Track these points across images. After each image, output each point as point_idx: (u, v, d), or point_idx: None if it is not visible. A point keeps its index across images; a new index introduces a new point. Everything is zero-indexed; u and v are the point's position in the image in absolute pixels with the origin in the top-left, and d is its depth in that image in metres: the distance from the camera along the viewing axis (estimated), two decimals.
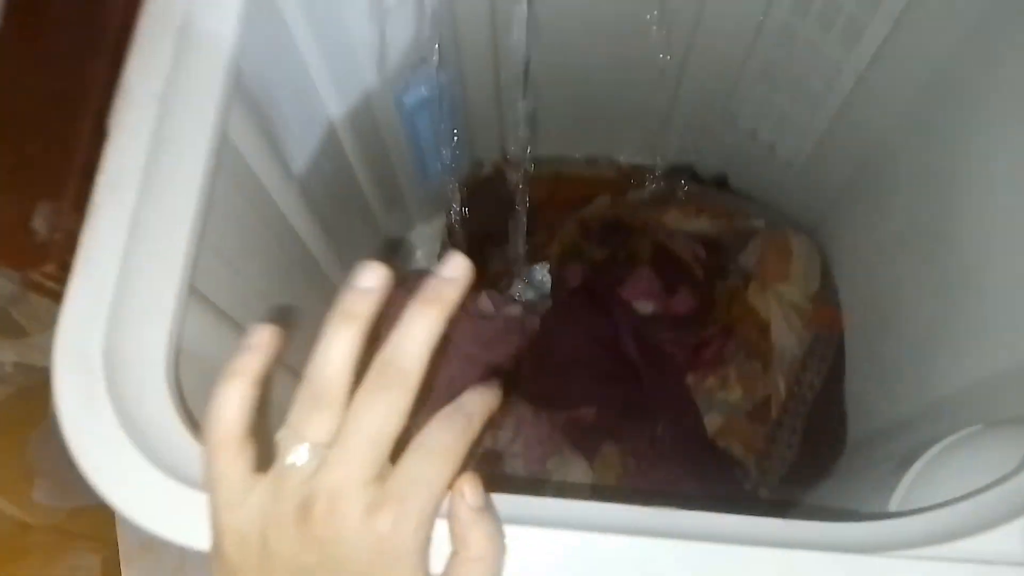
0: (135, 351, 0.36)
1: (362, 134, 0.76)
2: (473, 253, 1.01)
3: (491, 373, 0.82)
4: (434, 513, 0.28)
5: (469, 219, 0.96)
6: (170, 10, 0.41)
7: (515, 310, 0.81)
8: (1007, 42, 0.52)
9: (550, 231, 0.92)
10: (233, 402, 0.28)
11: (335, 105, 0.70)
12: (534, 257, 0.94)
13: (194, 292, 0.42)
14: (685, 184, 0.93)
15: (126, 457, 0.33)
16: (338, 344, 0.28)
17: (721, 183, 0.94)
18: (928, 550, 0.30)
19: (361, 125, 0.75)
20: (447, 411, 0.30)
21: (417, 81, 0.77)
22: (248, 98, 0.50)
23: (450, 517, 0.29)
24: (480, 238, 0.95)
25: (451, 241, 0.96)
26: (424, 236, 0.99)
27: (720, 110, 0.86)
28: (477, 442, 0.30)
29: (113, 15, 0.38)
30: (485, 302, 0.82)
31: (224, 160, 0.44)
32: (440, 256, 0.98)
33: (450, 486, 0.29)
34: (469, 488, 0.29)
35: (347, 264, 0.79)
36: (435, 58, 0.72)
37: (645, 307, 0.76)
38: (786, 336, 0.76)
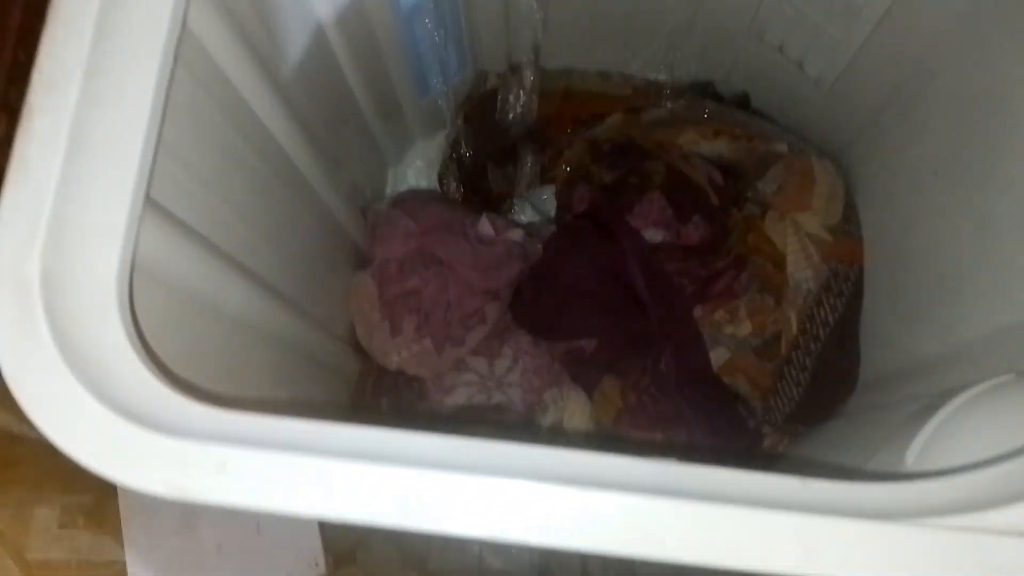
0: (79, 271, 0.32)
1: (355, 39, 0.70)
2: (475, 172, 0.96)
3: (490, 300, 0.78)
4: None
5: (472, 134, 0.91)
6: None
7: (516, 235, 0.77)
8: None
9: (557, 150, 0.87)
10: None
11: (323, 5, 0.64)
12: (540, 178, 0.89)
13: (152, 205, 0.38)
14: (704, 102, 0.87)
15: (66, 388, 0.29)
16: None
17: (742, 103, 0.88)
18: (958, 519, 0.27)
19: (353, 29, 0.69)
20: None
21: None
22: None
23: None
24: (483, 156, 0.90)
25: (452, 158, 0.91)
26: (424, 152, 0.94)
27: (746, 21, 0.79)
28: None
29: None
30: (485, 226, 0.78)
31: (185, 55, 0.39)
32: (440, 174, 0.93)
33: None
34: None
35: (338, 180, 0.75)
36: None
37: (654, 235, 0.72)
38: (802, 269, 0.72)
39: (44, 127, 0.33)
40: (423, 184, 0.94)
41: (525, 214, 0.88)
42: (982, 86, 0.56)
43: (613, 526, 0.27)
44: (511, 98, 0.90)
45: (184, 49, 0.39)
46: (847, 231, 0.73)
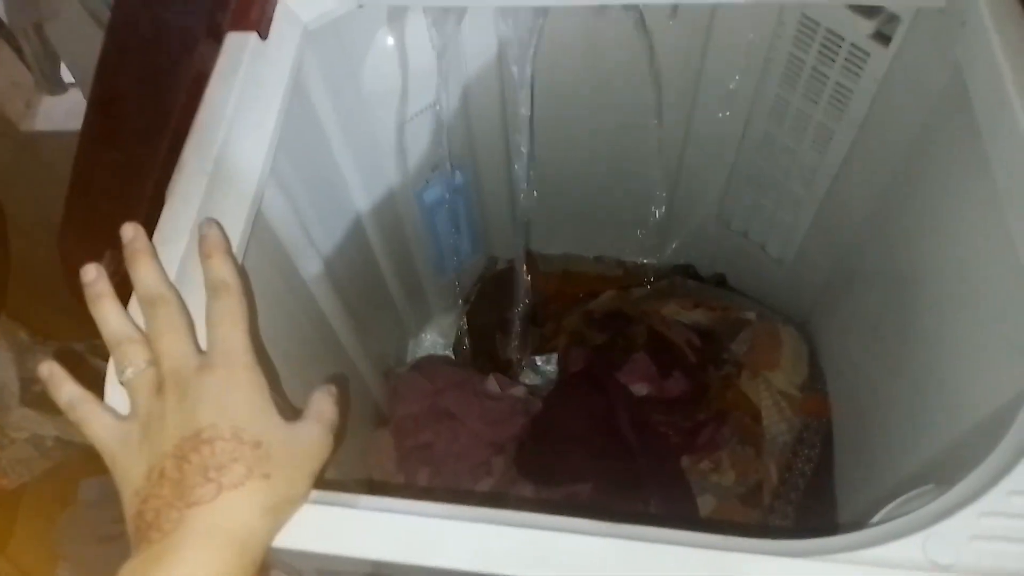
0: None
1: (385, 227, 0.85)
2: (486, 341, 1.07)
3: (496, 452, 0.85)
4: (247, 342, 0.38)
5: (483, 310, 1.03)
6: (223, 104, 0.50)
7: (520, 391, 0.86)
8: (944, 151, 0.59)
9: (557, 322, 0.98)
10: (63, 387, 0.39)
11: (361, 199, 0.79)
12: (542, 347, 1.00)
13: None
14: (685, 282, 1.00)
15: None
16: (106, 313, 0.39)
17: (720, 281, 1.00)
18: (843, 555, 0.34)
19: (384, 219, 0.84)
20: (210, 292, 0.40)
21: (436, 181, 0.86)
22: (283, 182, 0.58)
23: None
24: (493, 327, 1.01)
25: (465, 330, 1.03)
26: (441, 325, 1.06)
27: (714, 213, 0.93)
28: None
29: (175, 104, 0.47)
30: (492, 384, 0.87)
31: (257, 231, 0.51)
32: (455, 344, 1.04)
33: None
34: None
35: (367, 346, 0.85)
36: (449, 163, 0.82)
37: (640, 389, 0.81)
38: (777, 423, 0.80)
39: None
40: (441, 352, 1.05)
41: (529, 378, 0.97)
42: (897, 262, 0.67)
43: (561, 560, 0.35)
44: (518, 278, 1.03)
45: (257, 227, 0.51)
46: (813, 388, 0.81)
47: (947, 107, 0.59)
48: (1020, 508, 0.35)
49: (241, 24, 0.51)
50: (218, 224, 0.43)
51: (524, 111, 0.76)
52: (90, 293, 0.40)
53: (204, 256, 0.41)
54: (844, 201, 0.76)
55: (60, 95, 0.98)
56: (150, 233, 0.45)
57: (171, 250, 0.45)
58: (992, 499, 0.35)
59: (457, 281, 1.03)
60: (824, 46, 0.66)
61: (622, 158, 0.89)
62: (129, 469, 0.35)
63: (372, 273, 0.89)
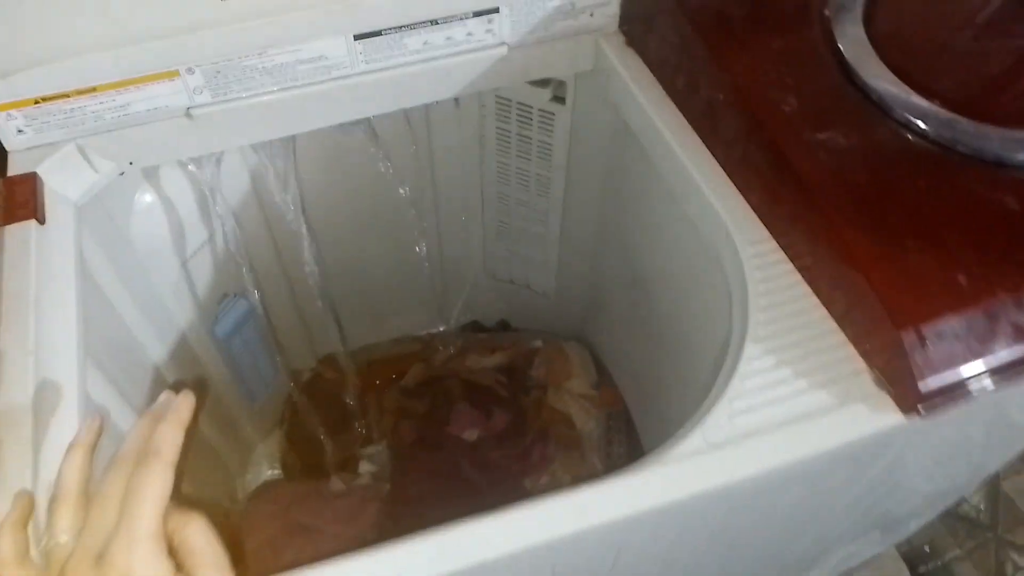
0: None
1: (186, 372, 0.86)
2: (314, 452, 1.10)
3: (361, 544, 0.89)
4: (157, 525, 0.35)
5: (303, 423, 1.06)
6: (26, 291, 0.52)
7: (365, 479, 0.91)
8: (633, 173, 0.77)
9: (378, 409, 1.05)
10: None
11: (157, 351, 0.80)
12: (371, 436, 1.05)
13: None
14: (476, 335, 1.11)
15: None
16: (71, 461, 0.39)
17: (504, 326, 1.13)
18: (652, 465, 0.46)
19: (184, 363, 0.85)
20: (141, 456, 0.37)
21: (224, 313, 0.90)
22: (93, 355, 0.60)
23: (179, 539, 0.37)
24: (317, 436, 1.05)
25: (291, 447, 1.05)
26: (269, 448, 1.07)
27: (477, 268, 1.07)
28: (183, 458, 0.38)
29: None
30: (336, 483, 0.91)
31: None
32: (283, 463, 1.06)
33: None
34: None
35: (200, 498, 0.85)
36: (237, 292, 0.86)
37: (472, 434, 0.90)
38: (586, 422, 0.93)
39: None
40: (273, 476, 1.05)
41: (367, 468, 1.02)
42: (631, 268, 0.84)
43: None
44: (327, 382, 1.08)
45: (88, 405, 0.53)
46: (605, 384, 0.96)
47: (623, 139, 0.77)
48: (752, 387, 0.49)
49: (18, 215, 0.54)
50: (191, 399, 0.42)
51: (296, 227, 0.84)
52: (74, 439, 0.39)
53: (156, 418, 0.39)
54: (576, 231, 0.93)
55: None
56: None
57: None
58: (733, 387, 0.48)
59: (269, 402, 1.05)
60: (520, 115, 0.82)
61: (390, 247, 0.99)
62: None
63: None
